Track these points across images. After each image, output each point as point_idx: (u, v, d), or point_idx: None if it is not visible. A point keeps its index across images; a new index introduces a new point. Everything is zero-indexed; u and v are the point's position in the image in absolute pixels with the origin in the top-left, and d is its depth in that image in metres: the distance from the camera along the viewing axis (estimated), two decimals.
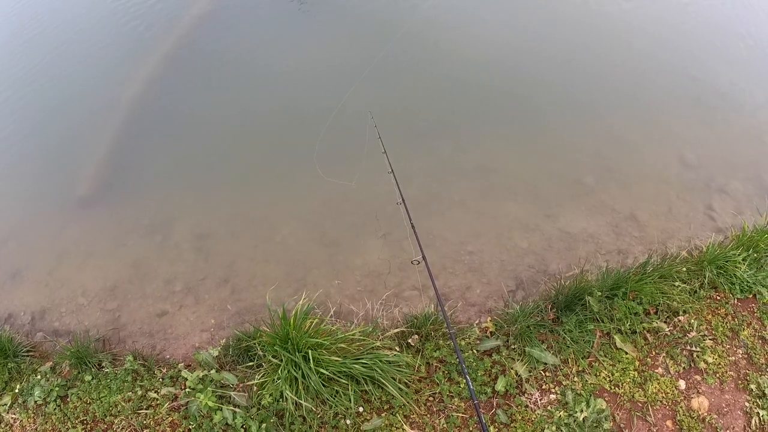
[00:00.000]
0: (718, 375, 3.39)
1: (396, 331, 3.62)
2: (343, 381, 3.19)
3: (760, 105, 5.60)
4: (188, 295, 4.25)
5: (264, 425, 3.19)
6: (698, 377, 3.39)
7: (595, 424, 3.14)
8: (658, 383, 3.34)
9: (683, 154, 5.08)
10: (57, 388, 3.56)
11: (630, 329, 3.55)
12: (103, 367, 3.70)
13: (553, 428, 3.14)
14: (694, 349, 3.50)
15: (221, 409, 3.26)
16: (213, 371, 3.48)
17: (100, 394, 3.52)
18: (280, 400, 3.25)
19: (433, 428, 3.21)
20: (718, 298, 3.78)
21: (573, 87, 5.82)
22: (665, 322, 3.61)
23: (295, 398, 3.13)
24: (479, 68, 6.05)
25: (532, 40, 6.40)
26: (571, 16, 6.80)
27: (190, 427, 3.28)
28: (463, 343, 3.58)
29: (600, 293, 3.62)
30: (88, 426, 3.42)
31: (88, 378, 3.60)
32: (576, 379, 3.36)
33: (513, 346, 3.52)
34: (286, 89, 6.13)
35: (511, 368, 3.40)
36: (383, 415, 3.25)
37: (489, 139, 5.36)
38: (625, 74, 6.00)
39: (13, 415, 3.54)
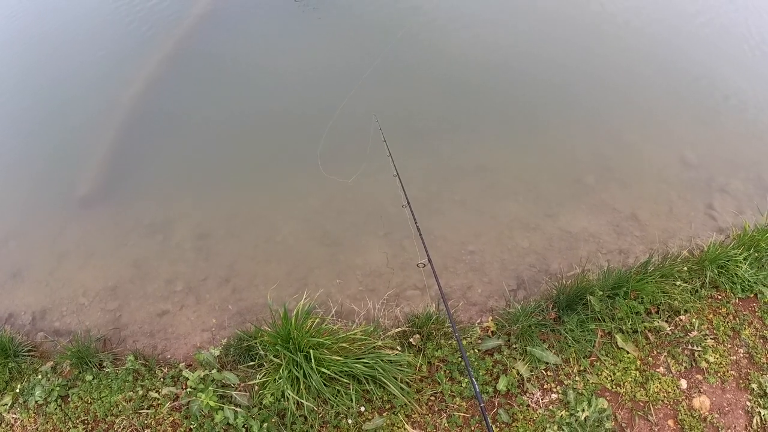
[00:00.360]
0: (719, 374, 3.39)
1: (397, 330, 3.61)
2: (345, 380, 3.18)
3: (760, 105, 5.60)
4: (189, 294, 4.25)
5: (265, 425, 3.19)
6: (699, 376, 3.39)
7: (596, 424, 3.14)
8: (660, 382, 3.34)
9: (684, 154, 5.08)
10: (58, 388, 3.55)
11: (631, 328, 3.55)
12: (104, 366, 3.69)
13: (555, 428, 3.13)
14: (695, 348, 3.50)
15: (222, 409, 3.26)
16: (214, 371, 3.47)
17: (101, 393, 3.52)
18: (282, 399, 3.24)
19: (434, 428, 3.21)
20: (720, 297, 3.78)
21: (573, 87, 5.82)
22: (666, 321, 3.61)
23: (297, 398, 3.13)
24: (480, 69, 6.06)
25: (532, 40, 6.41)
26: (572, 16, 6.81)
27: (192, 426, 3.28)
28: (464, 342, 3.57)
29: (601, 292, 3.61)
30: (89, 426, 3.41)
31: (89, 378, 3.60)
32: (577, 378, 3.36)
33: (514, 346, 3.51)
34: (286, 89, 6.13)
35: (513, 368, 3.40)
36: (385, 414, 3.25)
37: (489, 139, 5.37)
38: (625, 74, 6.01)
39: (14, 415, 3.54)
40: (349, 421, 3.21)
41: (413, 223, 3.45)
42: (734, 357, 3.49)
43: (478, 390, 2.39)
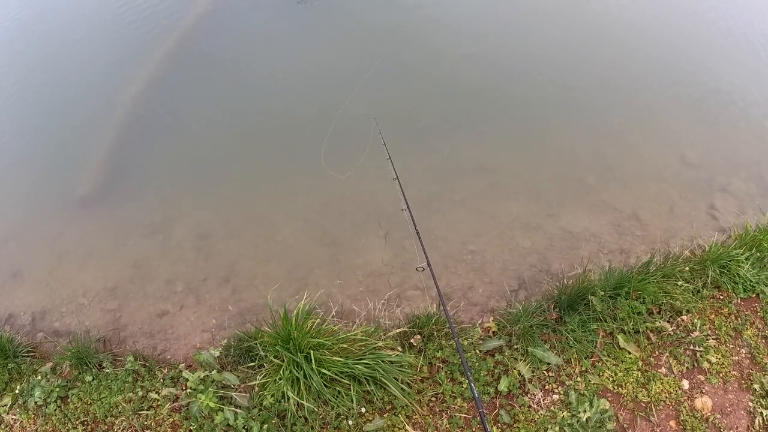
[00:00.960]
0: (721, 375, 3.38)
1: (398, 331, 3.60)
2: (345, 381, 3.18)
3: (761, 104, 5.58)
4: (189, 295, 4.24)
5: (266, 426, 3.18)
6: (701, 377, 3.38)
7: (598, 425, 3.13)
8: (662, 383, 3.33)
9: (684, 154, 5.06)
10: (57, 389, 3.55)
11: (633, 329, 3.53)
12: (103, 367, 3.68)
13: (557, 428, 3.12)
14: (697, 348, 3.48)
15: (222, 410, 3.24)
16: (214, 372, 3.46)
17: (100, 394, 3.51)
18: (282, 400, 3.23)
19: (435, 429, 3.20)
20: (721, 297, 3.77)
21: (573, 87, 5.80)
22: (668, 321, 3.60)
23: (297, 399, 3.12)
24: (479, 69, 6.05)
25: (533, 40, 6.39)
26: (571, 17, 6.79)
27: (192, 427, 3.27)
28: (465, 343, 3.56)
29: (603, 293, 3.60)
30: (89, 427, 3.40)
31: (88, 378, 3.59)
32: (579, 379, 3.35)
33: (516, 346, 3.50)
34: (286, 89, 6.13)
35: (514, 368, 3.38)
36: (385, 415, 3.23)
37: (490, 139, 5.36)
38: (625, 74, 5.99)
39: (14, 416, 3.53)
40: (350, 423, 3.19)
41: (413, 228, 3.43)
42: (736, 357, 3.47)
43: (477, 394, 2.38)
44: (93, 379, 3.59)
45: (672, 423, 3.19)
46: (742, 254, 3.83)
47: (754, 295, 3.78)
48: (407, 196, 3.64)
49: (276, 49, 6.68)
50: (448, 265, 4.26)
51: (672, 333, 3.55)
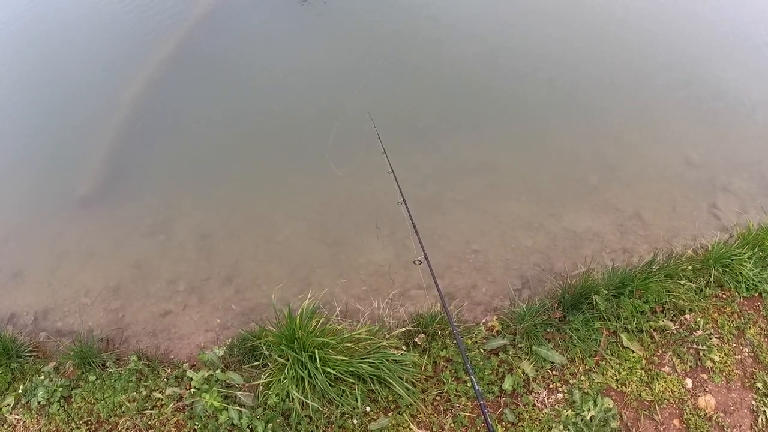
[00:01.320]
0: (724, 373, 3.39)
1: (402, 330, 3.60)
2: (350, 380, 3.17)
3: (762, 104, 5.60)
4: (192, 294, 4.23)
5: (270, 425, 3.17)
6: (705, 376, 3.39)
7: (602, 423, 3.13)
8: (665, 382, 3.34)
9: (686, 153, 5.08)
10: (61, 389, 3.53)
11: (637, 328, 3.54)
12: (107, 367, 3.68)
13: (561, 427, 3.13)
14: (700, 347, 3.49)
15: (227, 409, 3.24)
16: (218, 371, 3.46)
17: (104, 394, 3.50)
18: (287, 399, 3.23)
19: (440, 428, 3.20)
20: (724, 296, 3.78)
21: (573, 87, 5.81)
22: (672, 320, 3.61)
23: (302, 398, 3.11)
24: (480, 68, 6.05)
25: (533, 40, 6.41)
26: (572, 16, 6.81)
27: (196, 427, 3.26)
28: (469, 342, 3.56)
29: (606, 292, 3.60)
30: (93, 426, 3.39)
31: (92, 378, 3.58)
32: (583, 377, 3.35)
33: (520, 345, 3.50)
34: (286, 89, 6.13)
35: (518, 367, 3.39)
36: (390, 414, 3.23)
37: (490, 138, 5.37)
38: (626, 74, 6.00)
39: (17, 416, 3.51)
40: (355, 422, 3.19)
41: (409, 220, 3.42)
42: (739, 356, 3.48)
43: (477, 388, 2.37)
44: (96, 379, 3.58)
45: (675, 421, 3.20)
46: (744, 253, 3.84)
47: (756, 294, 3.79)
48: (409, 194, 3.62)
49: (276, 49, 6.68)
50: (451, 264, 4.26)
51: (675, 332, 3.56)
